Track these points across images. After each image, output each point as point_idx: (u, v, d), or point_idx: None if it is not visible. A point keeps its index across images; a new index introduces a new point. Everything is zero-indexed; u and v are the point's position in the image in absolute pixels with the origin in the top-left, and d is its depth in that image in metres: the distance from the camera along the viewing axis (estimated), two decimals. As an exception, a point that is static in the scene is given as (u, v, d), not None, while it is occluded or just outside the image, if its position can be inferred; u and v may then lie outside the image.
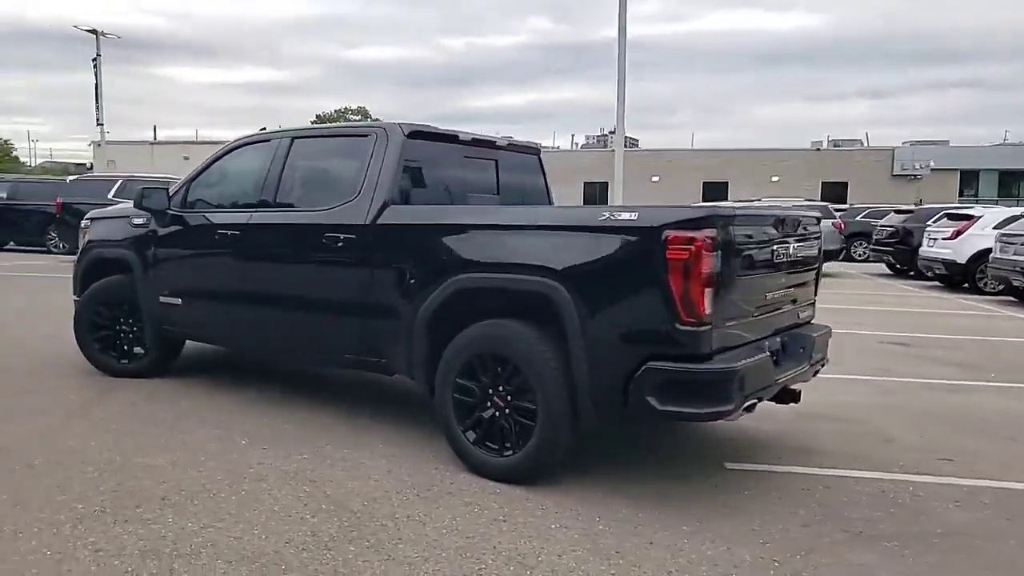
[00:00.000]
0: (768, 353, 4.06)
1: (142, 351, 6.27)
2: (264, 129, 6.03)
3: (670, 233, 3.61)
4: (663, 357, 3.67)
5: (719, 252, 3.66)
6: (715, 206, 3.92)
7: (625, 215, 3.79)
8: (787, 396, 4.63)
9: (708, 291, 3.62)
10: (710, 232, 3.61)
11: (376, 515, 3.71)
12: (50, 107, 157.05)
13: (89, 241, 6.54)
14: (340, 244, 4.76)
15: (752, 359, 3.86)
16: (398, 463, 4.42)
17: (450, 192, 5.16)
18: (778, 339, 4.42)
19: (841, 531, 3.70)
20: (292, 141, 5.35)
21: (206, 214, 5.65)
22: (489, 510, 3.82)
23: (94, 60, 34.84)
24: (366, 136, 4.93)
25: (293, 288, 5.11)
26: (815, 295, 5.01)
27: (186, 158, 51.46)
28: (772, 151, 46.97)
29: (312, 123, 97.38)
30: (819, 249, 4.88)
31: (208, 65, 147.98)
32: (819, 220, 4.92)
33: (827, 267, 17.03)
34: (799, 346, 4.55)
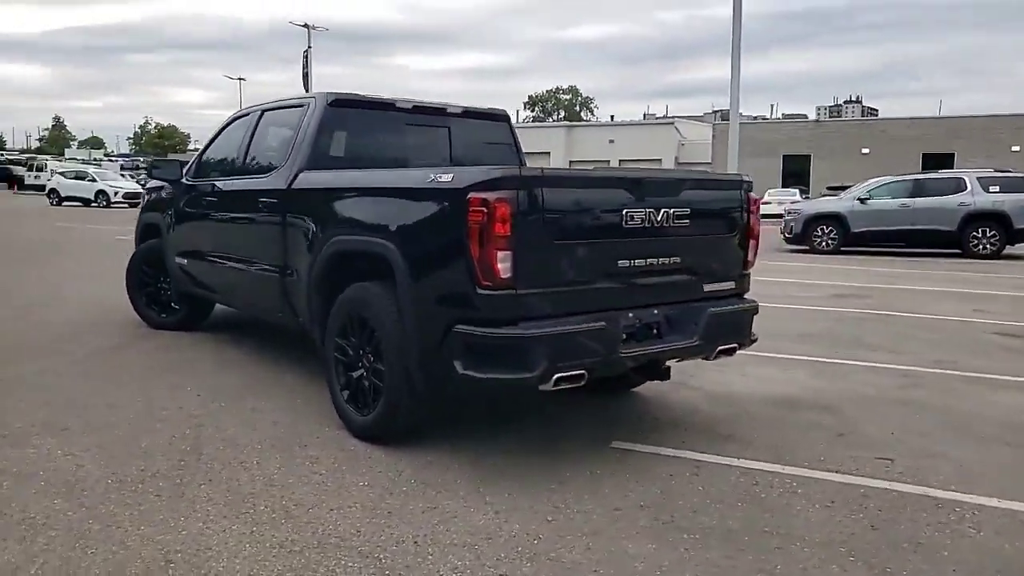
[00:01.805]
0: (609, 323, 3.79)
1: (177, 307, 7.03)
2: None
3: (471, 195, 3.50)
4: (467, 321, 3.60)
5: (522, 215, 3.49)
6: (526, 168, 3.69)
7: (445, 177, 3.72)
8: (653, 372, 4.30)
9: (506, 254, 3.48)
10: (506, 193, 3.46)
11: (220, 457, 4.01)
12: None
13: (141, 207, 7.43)
14: (266, 208, 5.08)
15: (567, 327, 3.64)
16: (291, 417, 4.68)
17: (389, 160, 5.27)
18: (655, 311, 4.11)
19: (656, 518, 3.44)
20: (261, 114, 5.74)
21: (201, 183, 6.23)
22: (322, 463, 3.98)
23: (305, 52, 38.26)
24: (302, 107, 5.18)
25: (243, 249, 5.52)
26: (741, 268, 4.55)
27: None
28: (1011, 117, 41.03)
29: (524, 104, 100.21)
30: (736, 218, 4.43)
31: (435, 53, 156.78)
32: (739, 187, 4.47)
33: None
34: (690, 321, 4.19)
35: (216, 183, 5.98)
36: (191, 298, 6.83)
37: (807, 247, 18.14)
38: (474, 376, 3.58)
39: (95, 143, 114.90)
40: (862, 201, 17.81)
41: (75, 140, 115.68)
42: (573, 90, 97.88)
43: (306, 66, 37.78)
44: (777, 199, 33.13)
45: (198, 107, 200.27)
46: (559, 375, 3.61)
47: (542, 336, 3.56)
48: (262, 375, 5.68)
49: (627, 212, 3.85)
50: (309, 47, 38.66)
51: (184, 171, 6.47)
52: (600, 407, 5.08)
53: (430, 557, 3.04)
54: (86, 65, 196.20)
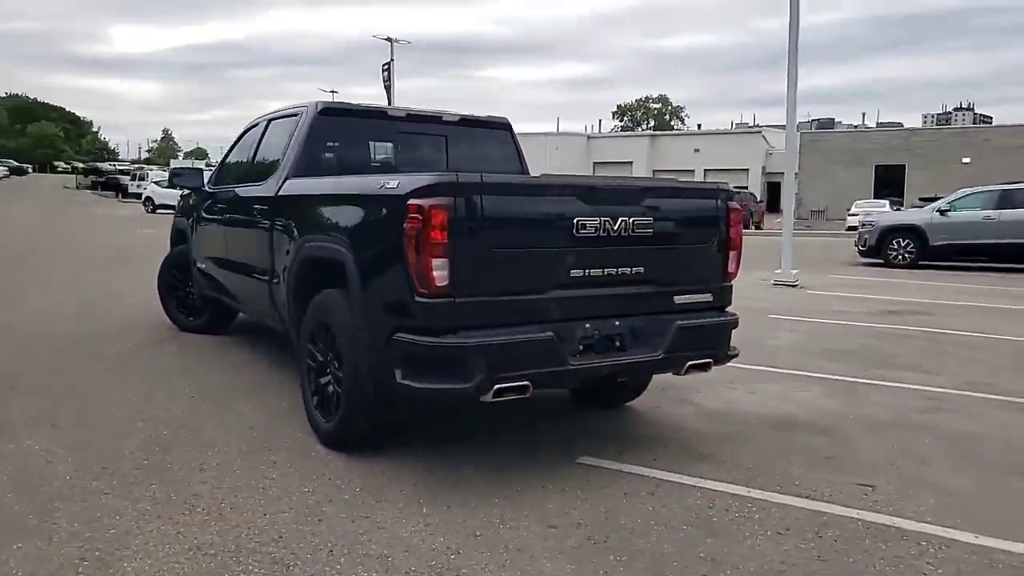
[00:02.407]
0: (558, 334, 3.67)
1: (202, 311, 7.27)
2: None
3: (409, 201, 3.47)
4: (405, 329, 3.56)
5: (459, 222, 3.43)
6: (464, 174, 3.60)
7: (392, 184, 3.70)
8: (623, 385, 4.14)
9: (442, 262, 3.42)
10: (442, 200, 3.41)
11: (184, 459, 4.10)
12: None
13: (175, 213, 7.73)
14: (259, 214, 5.20)
15: (507, 337, 3.55)
16: (272, 421, 4.75)
17: (380, 168, 5.31)
18: (617, 322, 3.96)
19: (589, 537, 3.32)
20: (268, 123, 5.87)
21: (217, 190, 6.42)
22: (277, 468, 4.02)
23: (385, 65, 39.17)
24: (296, 116, 5.28)
25: (243, 255, 5.65)
26: (720, 279, 4.34)
27: (557, 148, 55.91)
28: None
29: (612, 114, 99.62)
30: (711, 227, 4.24)
31: (530, 64, 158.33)
32: (715, 195, 4.27)
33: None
34: (656, 333, 4.02)
35: (227, 190, 6.16)
36: (214, 302, 7.04)
37: (882, 261, 17.26)
38: (411, 385, 3.53)
39: (199, 154, 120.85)
40: (942, 213, 16.83)
41: (181, 151, 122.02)
42: (663, 99, 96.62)
43: (387, 79, 38.68)
44: (864, 210, 31.72)
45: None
46: (500, 386, 3.53)
47: (479, 346, 3.49)
48: (263, 379, 5.79)
49: (578, 221, 3.73)
50: (391, 60, 39.54)
51: (206, 179, 6.69)
52: (582, 421, 4.96)
53: (338, 567, 3.01)
54: (195, 81, 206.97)
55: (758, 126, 78.02)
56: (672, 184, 4.32)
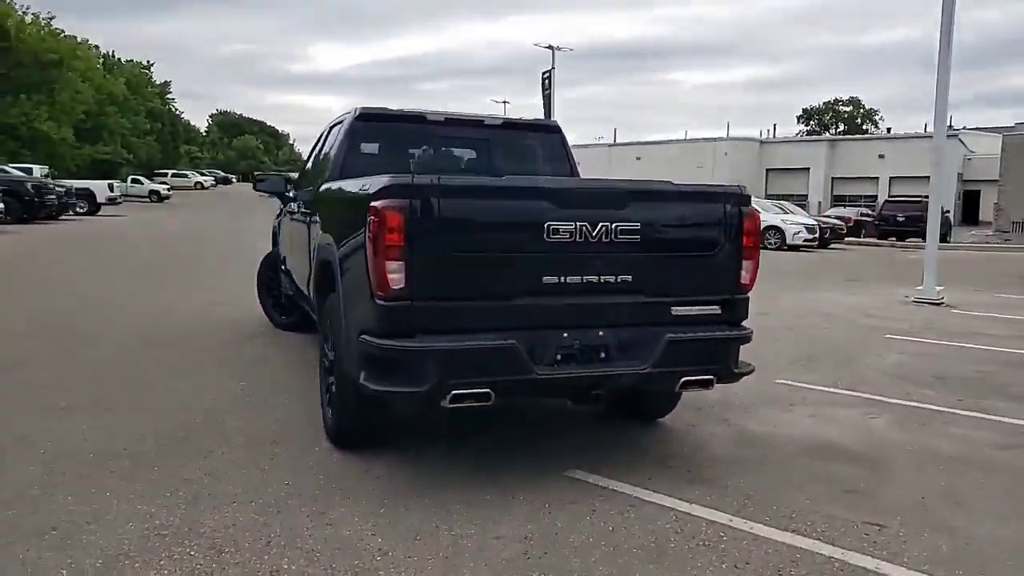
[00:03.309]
0: (523, 341, 3.56)
1: (293, 310, 7.72)
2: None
3: (370, 203, 3.52)
4: (368, 331, 3.60)
5: (415, 224, 3.43)
6: (421, 176, 3.54)
7: (367, 185, 3.75)
8: (591, 396, 3.94)
9: (398, 265, 3.44)
10: (397, 202, 3.42)
11: (196, 447, 4.37)
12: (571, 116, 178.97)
13: (276, 216, 8.27)
14: (304, 217, 5.45)
15: (463, 343, 3.49)
16: (300, 417, 4.95)
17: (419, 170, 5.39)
18: (601, 332, 3.79)
19: (526, 552, 3.21)
20: (329, 130, 6.15)
21: (294, 195, 6.80)
22: (270, 460, 4.18)
23: (546, 73, 39.62)
24: (341, 122, 5.49)
25: (299, 256, 5.92)
26: (731, 291, 4.03)
27: (638, 158, 55.37)
28: None
29: (797, 117, 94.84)
30: (716, 235, 3.95)
31: (712, 67, 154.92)
32: (722, 200, 3.96)
33: None
34: (646, 346, 3.80)
35: (296, 195, 6.52)
36: (294, 301, 7.45)
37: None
38: (369, 387, 3.57)
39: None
40: None
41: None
42: (854, 101, 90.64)
43: (547, 87, 39.09)
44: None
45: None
46: (456, 392, 3.49)
47: (433, 351, 3.47)
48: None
49: (549, 225, 3.60)
50: (552, 68, 39.91)
51: (288, 184, 7.11)
52: (596, 434, 4.79)
53: (266, 557, 3.10)
54: (382, 94, 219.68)
55: (954, 129, 71.31)
56: (665, 188, 4.06)
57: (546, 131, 5.76)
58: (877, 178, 51.66)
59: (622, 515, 3.59)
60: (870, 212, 36.20)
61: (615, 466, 4.19)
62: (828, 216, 33.61)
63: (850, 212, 36.40)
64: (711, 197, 4.05)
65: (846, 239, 30.42)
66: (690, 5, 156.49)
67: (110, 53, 63.82)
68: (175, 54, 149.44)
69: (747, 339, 4.11)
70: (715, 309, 4.00)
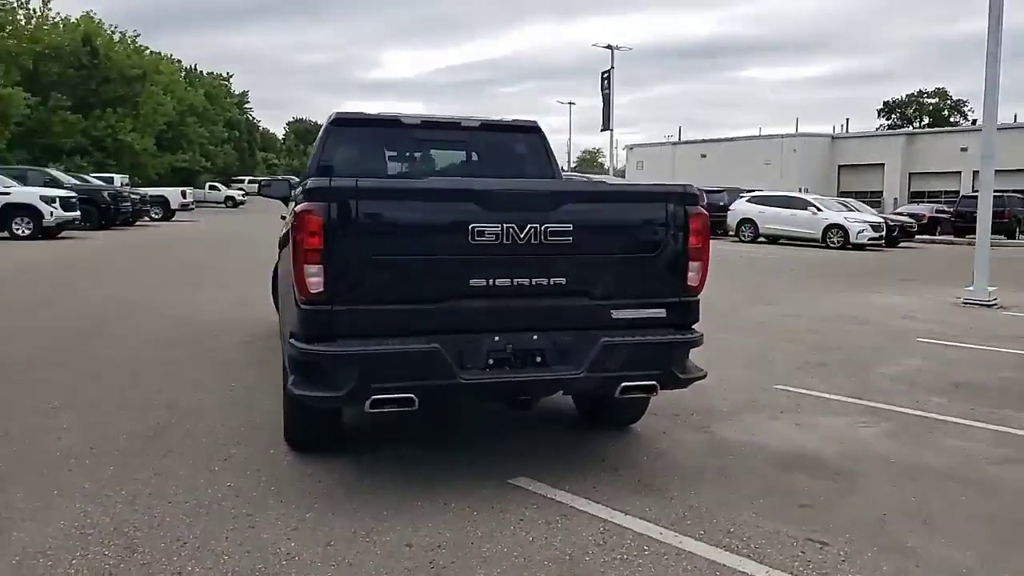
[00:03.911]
0: (447, 346, 3.49)
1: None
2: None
3: (297, 206, 3.53)
4: (295, 335, 3.61)
5: (334, 228, 3.41)
6: (339, 179, 3.50)
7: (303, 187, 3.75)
8: (519, 402, 3.83)
9: (317, 268, 3.43)
10: (315, 206, 3.42)
11: (163, 446, 4.46)
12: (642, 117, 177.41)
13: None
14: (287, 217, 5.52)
15: (381, 348, 3.45)
16: (269, 421, 4.96)
17: (392, 174, 5.41)
18: (535, 336, 3.70)
19: (422, 560, 3.14)
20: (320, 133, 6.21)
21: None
22: (221, 463, 4.23)
23: (605, 73, 39.40)
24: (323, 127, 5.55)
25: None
26: (678, 293, 3.87)
27: (703, 156, 54.30)
28: None
29: (878, 111, 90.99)
30: (658, 235, 3.80)
31: (790, 63, 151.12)
32: (663, 199, 3.80)
33: None
34: (580, 350, 3.68)
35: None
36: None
37: None
38: (294, 392, 3.57)
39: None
40: None
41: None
42: (940, 92, 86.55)
43: (606, 87, 38.91)
44: None
45: (549, 133, 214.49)
46: (377, 397, 3.45)
47: (350, 355, 3.45)
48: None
49: (474, 227, 3.53)
50: (612, 67, 39.71)
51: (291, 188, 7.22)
52: (557, 439, 4.68)
53: (175, 558, 3.13)
54: (457, 99, 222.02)
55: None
56: (600, 188, 3.93)
57: (525, 131, 5.67)
58: (959, 173, 49.14)
59: (548, 525, 3.49)
60: (946, 208, 34.49)
61: (564, 474, 4.08)
62: (899, 213, 32.21)
63: (924, 209, 34.77)
64: (650, 197, 3.91)
65: (918, 237, 29.11)
66: (768, 1, 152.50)
67: (192, 66, 66.62)
68: (254, 65, 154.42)
69: (695, 343, 3.94)
70: (660, 312, 3.85)
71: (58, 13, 45.45)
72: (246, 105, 76.56)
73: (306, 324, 3.52)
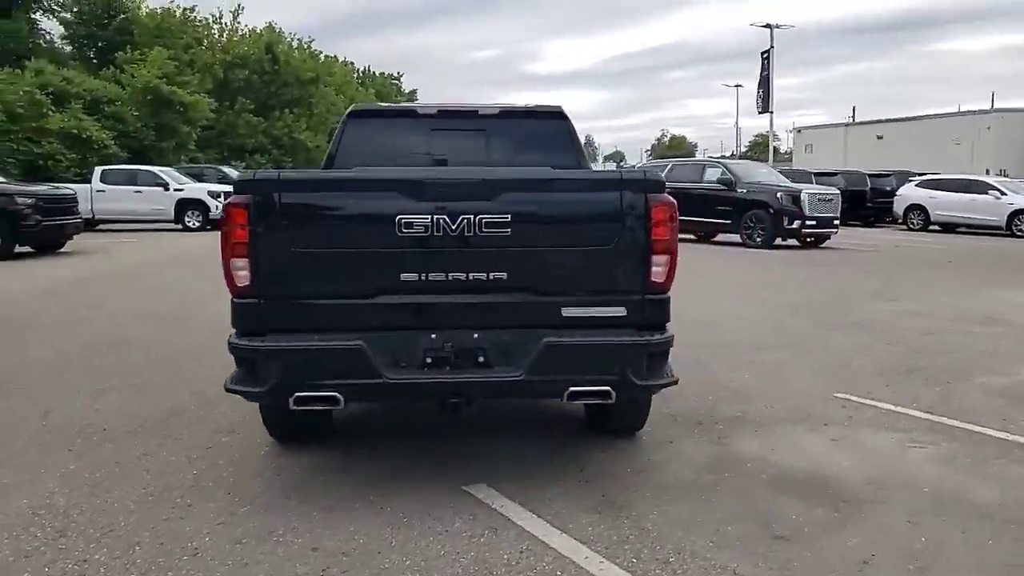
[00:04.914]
0: (362, 343, 3.30)
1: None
2: None
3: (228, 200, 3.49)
4: (234, 330, 3.56)
5: (258, 221, 3.33)
6: (262, 172, 3.36)
7: None
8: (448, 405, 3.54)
9: (243, 262, 3.37)
10: (240, 198, 3.36)
11: (167, 430, 4.63)
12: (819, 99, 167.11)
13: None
14: None
15: (303, 343, 3.32)
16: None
17: (405, 164, 5.26)
18: (476, 335, 3.44)
19: (328, 566, 3.01)
20: None
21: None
22: (212, 449, 4.32)
23: (764, 53, 37.15)
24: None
25: None
26: (640, 290, 3.45)
27: (879, 137, 49.96)
28: None
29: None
30: (613, 226, 3.40)
31: (987, 32, 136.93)
32: (616, 187, 3.38)
33: None
34: (523, 351, 3.38)
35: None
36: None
37: None
38: (227, 386, 3.53)
39: (617, 156, 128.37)
40: None
41: (600, 155, 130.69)
42: None
43: (765, 68, 36.74)
44: None
45: (717, 116, 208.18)
46: (300, 394, 3.35)
47: (272, 350, 3.36)
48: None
49: (401, 219, 3.32)
50: (771, 47, 37.38)
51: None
52: (542, 445, 4.35)
53: (94, 544, 3.19)
54: (622, 87, 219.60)
55: None
56: (543, 175, 3.56)
57: (547, 118, 5.31)
58: None
59: (472, 538, 3.23)
60: None
61: (529, 483, 3.79)
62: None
63: None
64: (600, 185, 3.51)
65: None
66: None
67: (366, 68, 70.32)
68: (424, 63, 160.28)
69: (658, 346, 3.50)
70: (619, 311, 3.45)
71: (245, 25, 49.45)
72: (415, 102, 79.76)
73: (237, 318, 3.48)
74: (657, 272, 3.46)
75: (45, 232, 14.34)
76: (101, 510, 3.53)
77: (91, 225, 19.92)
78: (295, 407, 3.41)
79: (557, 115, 5.30)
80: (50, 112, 25.92)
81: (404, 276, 3.40)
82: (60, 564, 3.05)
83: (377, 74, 71.96)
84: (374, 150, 5.19)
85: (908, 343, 7.06)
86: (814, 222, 17.07)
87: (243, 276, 3.40)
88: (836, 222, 17.71)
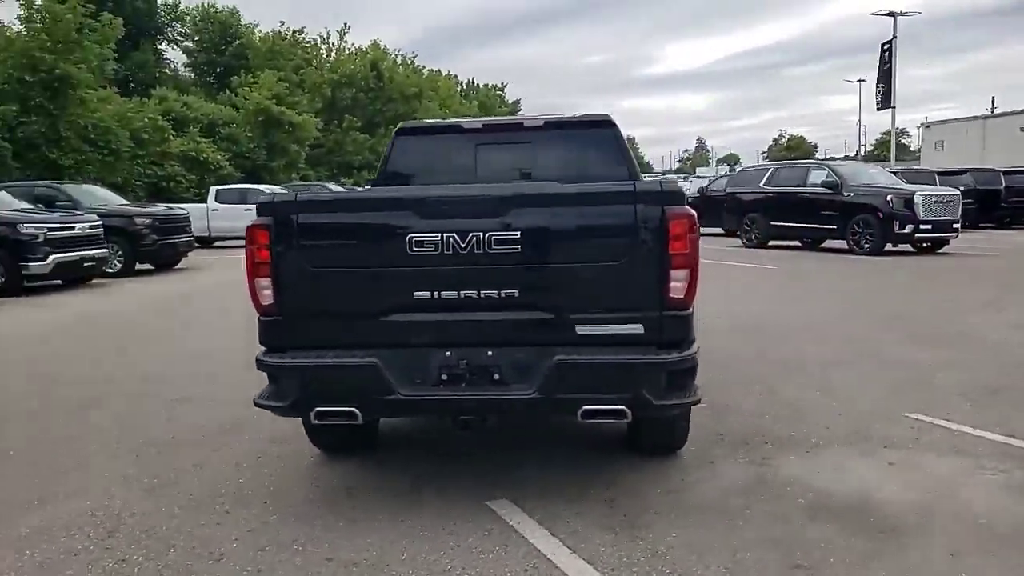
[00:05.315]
0: (376, 360, 3.36)
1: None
2: None
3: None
4: (261, 346, 3.72)
5: (278, 241, 3.47)
6: (280, 194, 3.45)
7: None
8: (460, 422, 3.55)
9: (266, 281, 3.51)
10: (263, 220, 3.50)
11: (202, 435, 4.88)
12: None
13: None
14: None
15: (320, 360, 3.42)
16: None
17: (457, 181, 5.35)
18: (490, 352, 3.46)
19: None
20: None
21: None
22: (246, 454, 4.53)
23: (885, 44, 35.12)
24: None
25: None
26: (657, 307, 3.36)
27: (1022, 130, 46.24)
28: None
29: None
30: (627, 241, 3.34)
31: None
32: (630, 200, 3.31)
33: None
34: (535, 369, 3.36)
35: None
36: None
37: None
38: (255, 401, 3.68)
39: (731, 159, 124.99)
40: None
41: (712, 158, 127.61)
42: None
43: (886, 60, 34.70)
44: None
45: (842, 114, 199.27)
46: (320, 409, 3.47)
47: (292, 366, 3.48)
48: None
49: (412, 238, 3.37)
50: (893, 37, 35.20)
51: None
52: (576, 463, 4.30)
53: (132, 547, 3.42)
54: (743, 86, 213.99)
55: None
56: (552, 190, 3.51)
57: (595, 127, 5.26)
58: None
59: (481, 554, 3.25)
60: None
61: (551, 500, 3.76)
62: None
63: None
64: (613, 198, 3.43)
65: None
66: None
67: (471, 80, 71.71)
68: (535, 71, 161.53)
69: (678, 364, 3.39)
70: (636, 328, 3.38)
71: (352, 43, 51.40)
72: (518, 112, 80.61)
73: (263, 335, 3.64)
74: (676, 288, 3.37)
75: (161, 251, 15.40)
76: (149, 514, 3.77)
77: (207, 243, 21.21)
78: (316, 421, 3.53)
79: (604, 123, 5.26)
80: (171, 136, 27.83)
81: (417, 294, 3.45)
82: (103, 563, 3.29)
83: (480, 86, 73.19)
84: (421, 166, 5.32)
85: (1005, 360, 6.55)
86: (929, 226, 15.99)
87: (267, 295, 3.55)
88: (956, 225, 16.51)
